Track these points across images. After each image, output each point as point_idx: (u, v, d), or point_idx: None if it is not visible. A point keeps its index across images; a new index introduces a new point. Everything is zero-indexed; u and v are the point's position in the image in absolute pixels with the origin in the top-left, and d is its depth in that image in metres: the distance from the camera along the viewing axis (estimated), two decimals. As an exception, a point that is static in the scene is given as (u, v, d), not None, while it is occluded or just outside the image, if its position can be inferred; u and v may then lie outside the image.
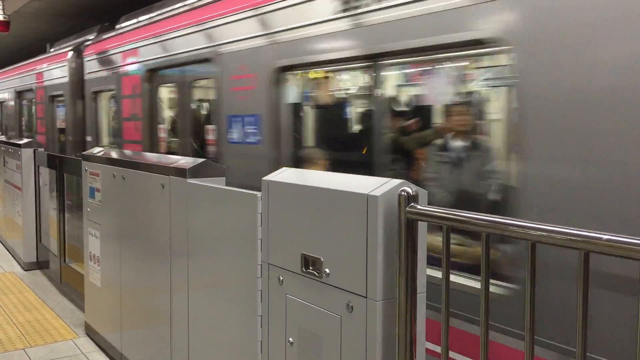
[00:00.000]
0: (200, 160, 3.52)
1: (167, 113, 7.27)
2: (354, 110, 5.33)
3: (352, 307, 2.24)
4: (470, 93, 4.18)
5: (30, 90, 11.77)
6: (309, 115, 5.29)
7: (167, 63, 6.39)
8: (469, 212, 1.97)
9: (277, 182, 2.68)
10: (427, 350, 2.24)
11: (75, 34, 10.51)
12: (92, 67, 8.53)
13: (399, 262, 2.07)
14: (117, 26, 8.20)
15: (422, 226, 2.12)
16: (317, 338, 2.44)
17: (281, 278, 2.63)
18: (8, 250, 8.49)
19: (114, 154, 4.80)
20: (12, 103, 13.51)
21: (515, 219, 1.83)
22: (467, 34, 3.12)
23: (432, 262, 2.42)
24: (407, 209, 2.05)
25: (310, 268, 2.44)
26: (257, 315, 2.79)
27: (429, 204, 2.16)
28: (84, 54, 8.80)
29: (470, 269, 3.13)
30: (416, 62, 4.36)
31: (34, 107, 11.88)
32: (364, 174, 2.53)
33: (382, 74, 3.95)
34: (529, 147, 2.78)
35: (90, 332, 5.07)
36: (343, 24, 3.95)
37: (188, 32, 5.91)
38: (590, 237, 1.58)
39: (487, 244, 1.87)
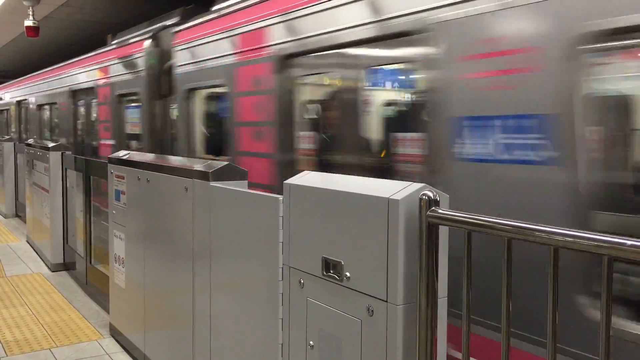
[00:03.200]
0: (224, 163, 3.55)
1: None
2: None
3: (372, 311, 2.23)
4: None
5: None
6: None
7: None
8: (492, 217, 1.95)
9: (298, 185, 2.69)
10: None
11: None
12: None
13: (420, 267, 2.06)
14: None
15: (443, 230, 2.11)
16: (337, 341, 2.44)
17: (302, 281, 2.64)
18: (36, 251, 8.65)
19: (139, 157, 4.85)
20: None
21: (539, 224, 1.80)
22: None
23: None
24: (428, 213, 2.04)
25: (331, 271, 2.44)
26: (278, 318, 2.80)
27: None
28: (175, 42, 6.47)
29: None
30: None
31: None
32: None
33: None
34: None
35: (115, 333, 5.14)
36: None
37: None
38: (615, 242, 1.55)
39: (509, 250, 1.86)
